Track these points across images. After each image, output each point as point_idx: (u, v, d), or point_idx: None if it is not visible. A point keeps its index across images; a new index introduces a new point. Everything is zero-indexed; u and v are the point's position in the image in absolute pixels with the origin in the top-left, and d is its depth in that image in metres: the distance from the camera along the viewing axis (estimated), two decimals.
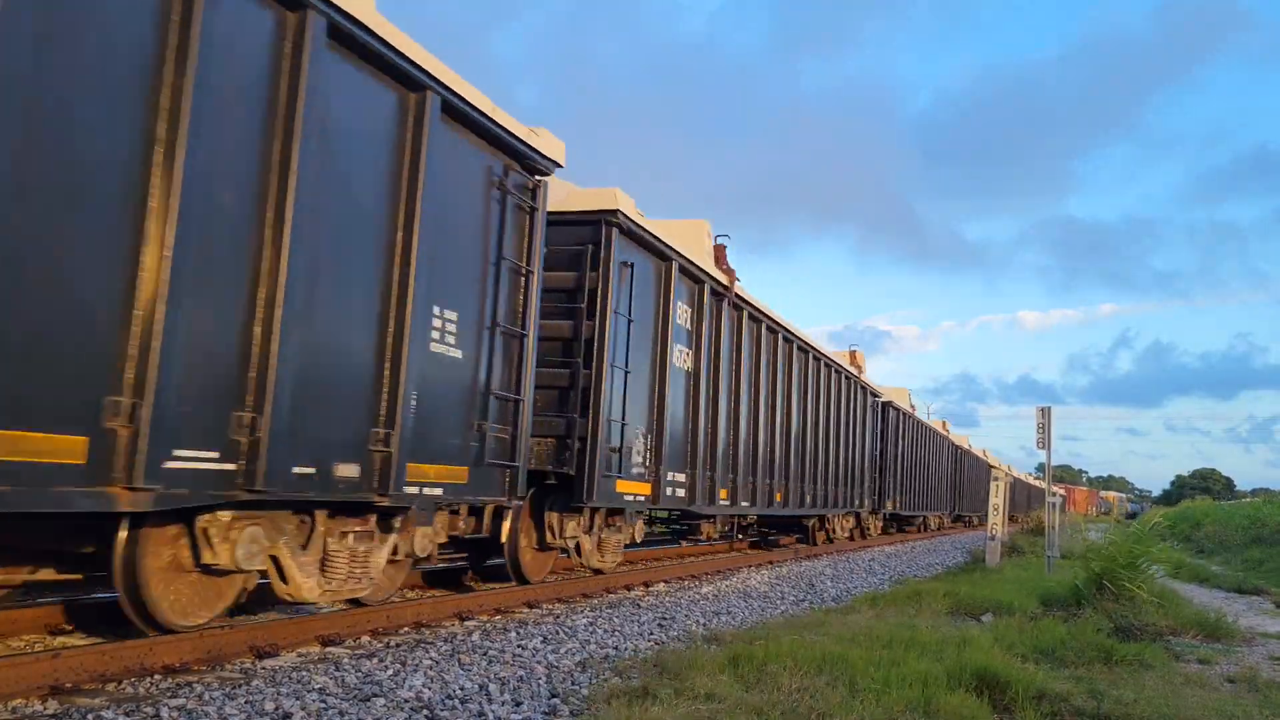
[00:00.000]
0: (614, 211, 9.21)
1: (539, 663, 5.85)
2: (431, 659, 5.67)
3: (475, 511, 7.66)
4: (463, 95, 6.58)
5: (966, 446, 40.75)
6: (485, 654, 5.96)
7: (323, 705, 4.50)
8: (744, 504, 13.01)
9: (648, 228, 9.77)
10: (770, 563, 14.67)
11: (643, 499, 9.90)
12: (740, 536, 17.05)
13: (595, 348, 8.96)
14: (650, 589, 10.35)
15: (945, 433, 34.26)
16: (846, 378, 19.40)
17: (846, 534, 20.82)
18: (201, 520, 5.15)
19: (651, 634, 7.28)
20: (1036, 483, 59.30)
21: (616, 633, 7.16)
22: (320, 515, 5.92)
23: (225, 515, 5.21)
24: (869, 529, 23.28)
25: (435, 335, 6.54)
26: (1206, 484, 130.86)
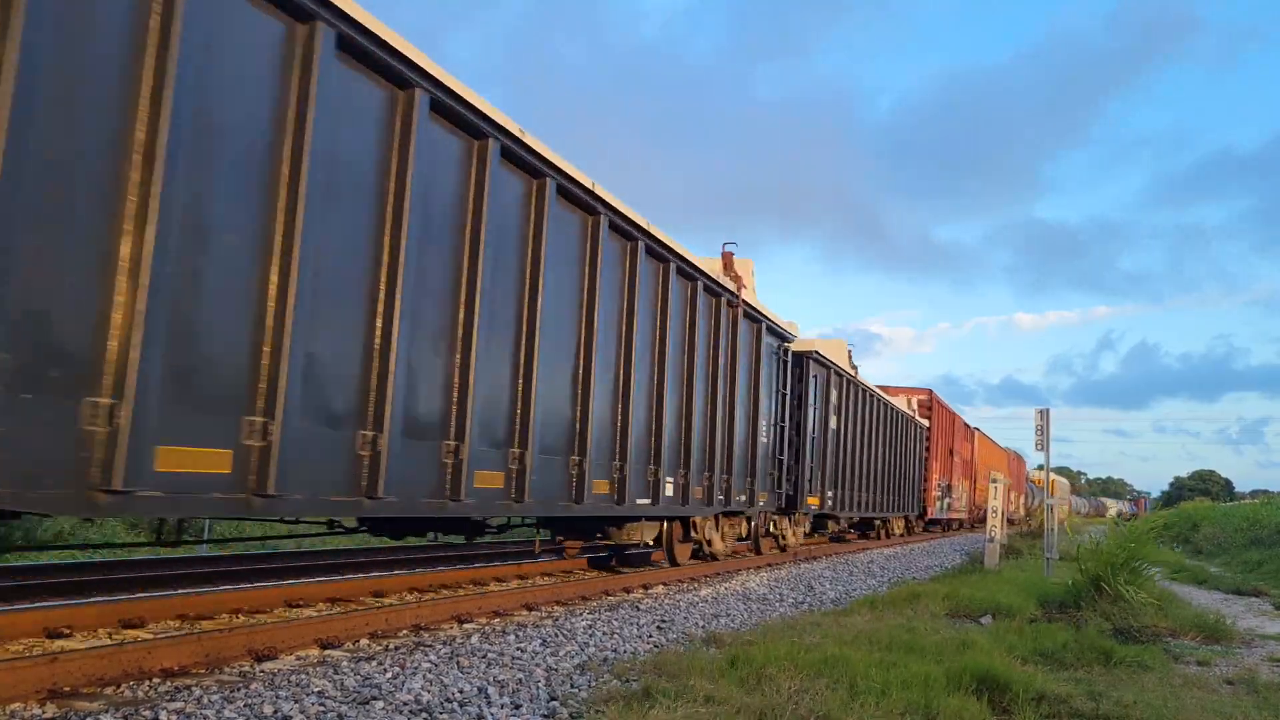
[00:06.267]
0: None
1: (538, 665, 5.84)
2: (430, 662, 5.67)
3: None
4: None
5: None
6: (484, 657, 5.96)
7: (321, 708, 4.50)
8: (344, 496, 5.94)
9: None
10: (770, 565, 14.66)
11: None
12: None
13: None
14: (649, 591, 10.34)
15: (911, 413, 27.43)
16: (709, 291, 11.52)
17: (729, 546, 13.81)
18: None
19: (650, 636, 7.27)
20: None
21: (615, 635, 7.16)
22: None
23: None
24: (784, 537, 16.32)
25: None
26: (1205, 485, 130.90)
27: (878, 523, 24.86)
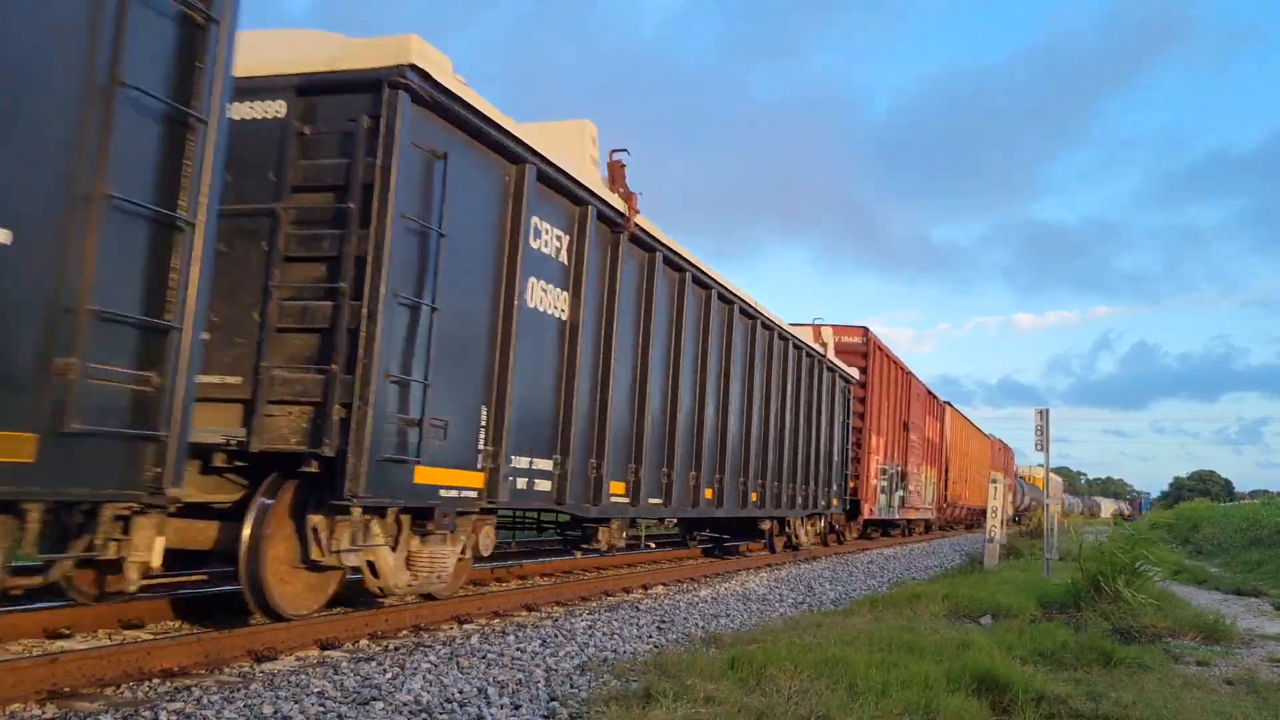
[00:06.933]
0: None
1: (538, 666, 5.84)
2: (430, 662, 5.67)
3: None
4: None
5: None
6: (484, 657, 5.95)
7: (321, 709, 4.50)
8: None
9: None
10: (769, 565, 14.65)
11: None
12: None
13: None
14: (649, 591, 10.34)
15: (819, 349, 16.66)
16: None
17: None
18: None
19: (650, 637, 7.27)
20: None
21: (615, 635, 7.16)
22: None
23: None
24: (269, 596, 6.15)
25: None
26: (1205, 486, 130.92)
27: (766, 524, 15.28)
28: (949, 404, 32.23)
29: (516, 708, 4.83)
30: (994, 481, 19.18)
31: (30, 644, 5.70)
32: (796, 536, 16.92)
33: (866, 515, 20.50)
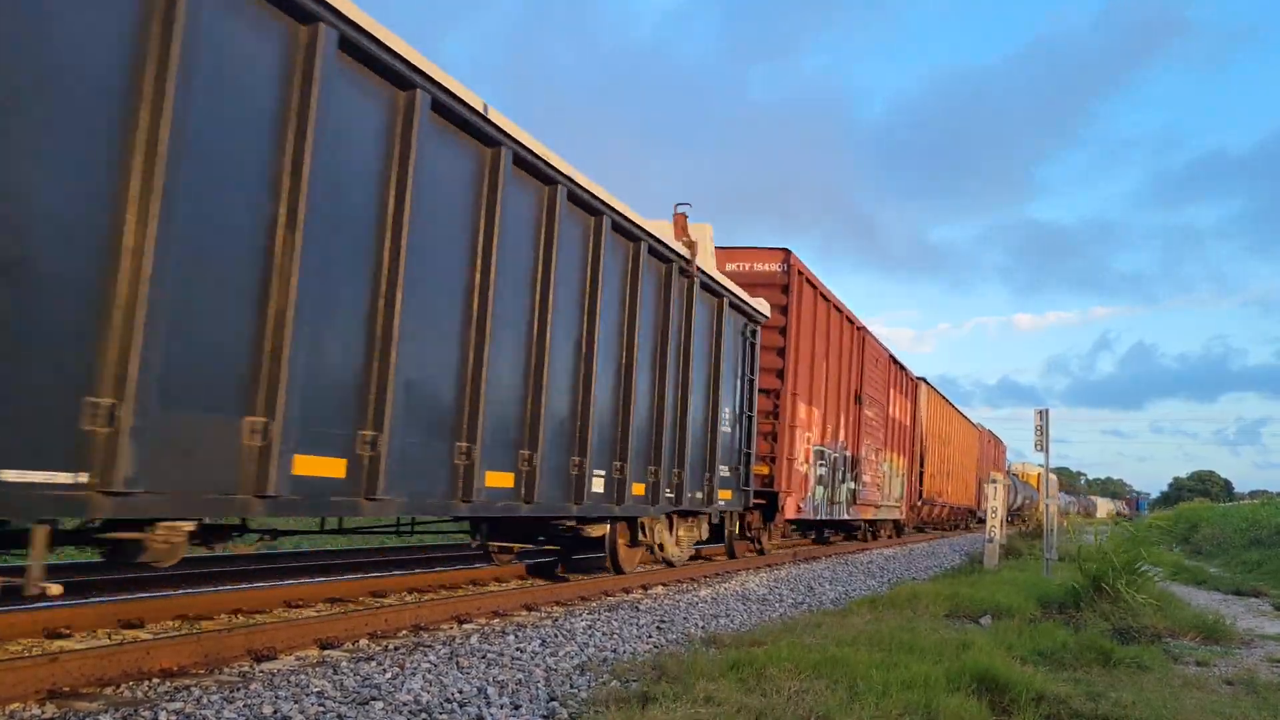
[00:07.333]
0: None
1: (537, 666, 5.84)
2: (430, 662, 5.67)
3: None
4: None
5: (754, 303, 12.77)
6: (484, 657, 5.96)
7: (321, 709, 4.50)
8: None
9: None
10: (769, 565, 14.65)
11: None
12: None
13: None
14: (649, 591, 10.34)
15: (686, 254, 10.24)
16: None
17: None
18: None
19: (650, 637, 7.27)
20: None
21: (615, 636, 7.15)
22: None
23: None
24: None
25: None
26: (1205, 486, 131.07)
27: (599, 530, 9.78)
28: (923, 380, 26.80)
29: (516, 708, 4.83)
30: (993, 481, 19.20)
31: (30, 643, 5.70)
32: (661, 547, 11.20)
33: (791, 514, 14.73)
